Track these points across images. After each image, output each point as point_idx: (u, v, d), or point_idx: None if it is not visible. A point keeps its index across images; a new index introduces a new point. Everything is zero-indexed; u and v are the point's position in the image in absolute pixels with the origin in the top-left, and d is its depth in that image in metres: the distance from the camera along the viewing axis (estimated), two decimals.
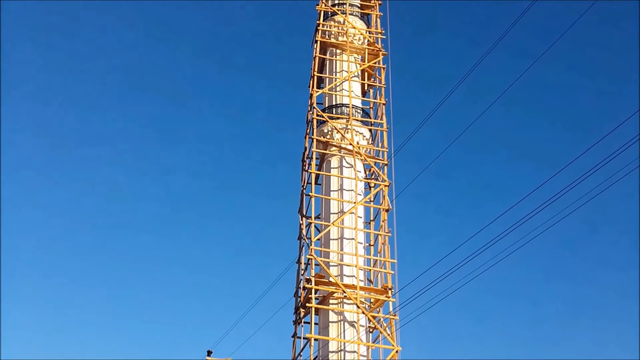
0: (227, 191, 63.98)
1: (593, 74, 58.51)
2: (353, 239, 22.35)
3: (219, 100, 66.36)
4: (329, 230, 22.69)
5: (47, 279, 59.97)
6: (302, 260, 23.05)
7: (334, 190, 23.60)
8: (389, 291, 21.41)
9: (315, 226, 22.96)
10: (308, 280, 21.42)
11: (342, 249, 22.42)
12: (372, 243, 23.41)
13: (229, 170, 64.71)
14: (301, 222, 23.75)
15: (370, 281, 22.70)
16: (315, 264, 21.99)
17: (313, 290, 21.15)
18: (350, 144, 23.67)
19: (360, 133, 24.39)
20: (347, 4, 27.05)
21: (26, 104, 63.30)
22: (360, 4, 27.84)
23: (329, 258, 22.32)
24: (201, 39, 66.50)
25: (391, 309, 21.25)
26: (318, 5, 27.12)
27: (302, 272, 22.81)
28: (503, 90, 26.60)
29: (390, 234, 22.55)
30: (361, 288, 21.46)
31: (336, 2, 27.49)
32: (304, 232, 23.55)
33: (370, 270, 22.61)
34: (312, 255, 21.77)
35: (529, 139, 58.77)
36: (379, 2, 27.40)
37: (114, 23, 65.38)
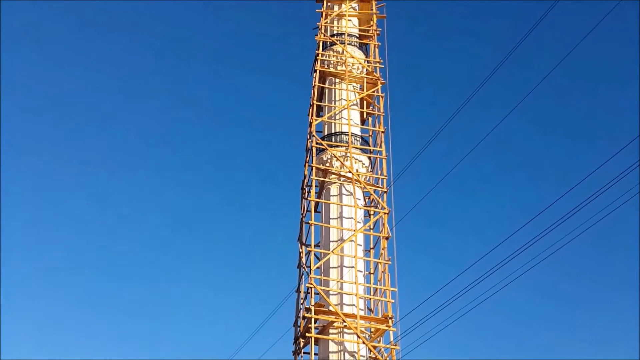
0: (227, 215, 63.47)
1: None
2: (353, 267, 21.93)
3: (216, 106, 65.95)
4: (329, 259, 22.28)
5: (47, 279, 59.50)
6: (302, 289, 22.61)
7: (333, 218, 23.26)
8: (390, 320, 20.95)
9: (314, 254, 22.57)
10: (308, 310, 20.98)
11: (342, 278, 21.99)
12: (372, 271, 22.98)
13: (228, 192, 64.36)
14: (301, 250, 23.36)
15: (370, 310, 22.21)
16: (315, 293, 21.53)
17: (313, 320, 20.68)
18: (350, 172, 23.42)
19: (360, 161, 24.17)
20: (346, 34, 27.10)
21: (26, 104, 62.92)
22: (359, 34, 27.90)
23: (328, 287, 21.88)
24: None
25: (392, 338, 20.78)
26: (317, 35, 27.17)
27: (302, 301, 22.35)
28: (500, 120, 26.55)
29: (390, 262, 22.14)
30: (361, 317, 20.98)
31: (335, 32, 27.56)
32: (303, 260, 23.15)
33: (370, 299, 22.15)
34: (311, 283, 21.33)
35: (532, 164, 58.51)
36: (377, 32, 27.45)
37: (114, 23, 65.45)
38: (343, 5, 28.00)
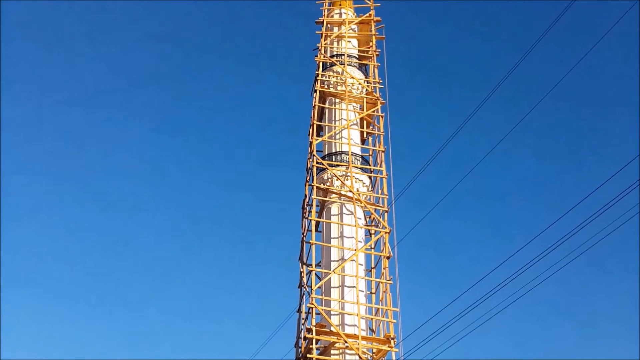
0: (226, 233, 62.96)
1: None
2: (354, 287, 21.58)
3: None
4: (330, 278, 21.95)
5: (47, 279, 58.68)
6: (303, 309, 22.23)
7: (334, 238, 22.97)
8: (392, 341, 20.58)
9: (315, 274, 22.23)
10: (309, 330, 20.59)
11: (343, 298, 21.63)
12: (373, 291, 22.61)
13: (226, 214, 63.83)
14: (302, 270, 23.01)
15: (372, 330, 21.80)
16: (316, 313, 21.17)
17: (314, 341, 20.29)
18: (350, 191, 23.19)
19: (360, 180, 23.95)
20: (345, 55, 27.09)
21: (26, 104, 62.60)
22: (358, 55, 27.89)
23: (330, 307, 21.51)
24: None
25: (394, 359, 20.38)
26: (317, 56, 27.15)
27: (303, 321, 21.97)
28: (503, 136, 26.38)
29: (392, 282, 21.80)
30: (363, 338, 20.60)
31: (335, 53, 27.56)
32: (304, 280, 22.79)
33: (372, 319, 21.75)
34: (312, 304, 20.98)
35: (534, 183, 58.11)
36: (377, 53, 27.45)
37: (114, 23, 65.40)
38: (342, 27, 28.04)
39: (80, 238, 60.47)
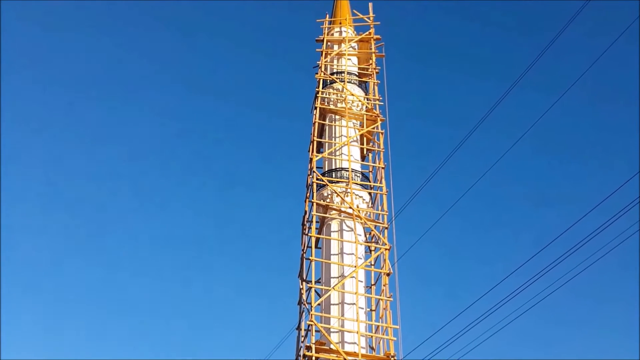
0: (229, 247, 62.40)
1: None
2: (354, 304, 21.24)
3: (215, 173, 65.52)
4: (330, 295, 21.62)
5: (47, 279, 58.06)
6: (302, 326, 21.87)
7: (334, 254, 22.67)
8: (392, 359, 20.23)
9: (315, 291, 21.90)
10: (308, 348, 20.23)
11: (343, 315, 21.28)
12: (373, 308, 22.26)
13: (226, 237, 63.38)
14: (301, 286, 22.68)
15: (372, 348, 21.41)
16: (316, 330, 20.81)
17: (314, 358, 19.91)
18: (350, 208, 22.96)
19: (360, 196, 23.73)
20: (346, 72, 27.04)
21: (26, 104, 62.29)
22: (358, 73, 27.83)
23: (329, 324, 21.15)
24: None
25: None
26: (317, 74, 27.10)
27: (302, 338, 21.59)
28: (500, 157, 26.26)
29: (392, 299, 21.47)
30: (363, 356, 20.23)
31: (335, 70, 27.50)
32: (304, 297, 22.46)
33: (372, 336, 21.38)
34: (312, 321, 20.64)
35: (537, 194, 57.68)
36: (376, 70, 27.39)
37: (115, 23, 65.30)
38: (342, 45, 28.02)
39: (81, 238, 60.14)
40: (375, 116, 25.75)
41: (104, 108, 63.48)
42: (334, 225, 23.20)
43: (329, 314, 21.38)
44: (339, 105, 26.01)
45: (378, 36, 28.15)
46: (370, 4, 28.89)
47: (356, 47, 28.42)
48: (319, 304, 21.37)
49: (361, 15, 28.74)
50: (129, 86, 64.89)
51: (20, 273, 56.94)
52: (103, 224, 60.40)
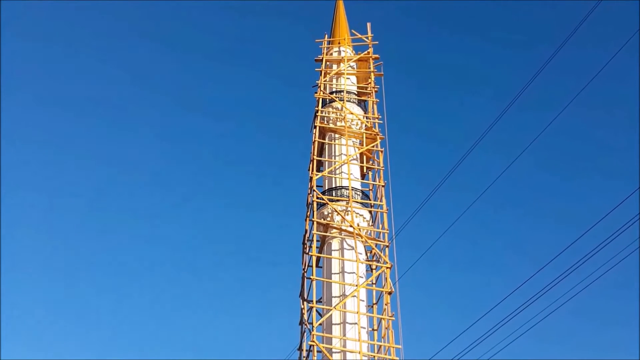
0: (229, 262, 61.78)
1: None
2: (356, 323, 20.87)
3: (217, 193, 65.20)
4: (331, 315, 21.25)
5: (47, 279, 57.42)
6: (304, 346, 21.47)
7: (335, 273, 22.33)
8: None
9: (317, 310, 21.55)
10: None
11: (344, 334, 20.88)
12: (375, 328, 21.88)
13: (225, 257, 62.82)
14: (302, 306, 22.31)
15: None
16: (318, 351, 20.41)
17: None
18: (351, 226, 22.69)
19: (361, 215, 23.46)
20: (345, 91, 26.95)
21: (26, 104, 61.79)
22: (357, 92, 27.76)
23: (331, 344, 20.74)
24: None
25: None
26: (316, 93, 27.01)
27: (304, 359, 21.18)
28: (502, 171, 26.04)
29: (394, 318, 21.10)
30: None
31: (334, 89, 27.42)
32: (305, 316, 22.08)
33: (374, 356, 20.94)
34: (314, 341, 20.25)
35: (539, 209, 57.18)
36: (375, 89, 27.31)
37: (115, 23, 65.01)
38: (341, 64, 27.98)
39: (82, 239, 59.60)
40: (375, 134, 25.60)
41: (101, 128, 63.40)
42: (335, 244, 22.90)
43: (331, 333, 20.98)
44: (339, 124, 25.87)
45: (376, 55, 28.10)
46: (368, 24, 28.91)
47: (355, 66, 28.36)
48: (320, 324, 21.00)
49: (359, 35, 28.74)
50: (129, 109, 64.82)
51: (20, 273, 56.51)
52: (103, 225, 59.70)
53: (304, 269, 22.96)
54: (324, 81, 27.37)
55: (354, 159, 25.10)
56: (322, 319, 21.02)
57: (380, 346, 21.05)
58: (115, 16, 64.73)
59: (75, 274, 57.91)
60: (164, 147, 64.44)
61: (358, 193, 23.99)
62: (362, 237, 22.61)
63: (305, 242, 23.41)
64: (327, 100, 26.68)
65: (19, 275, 56.51)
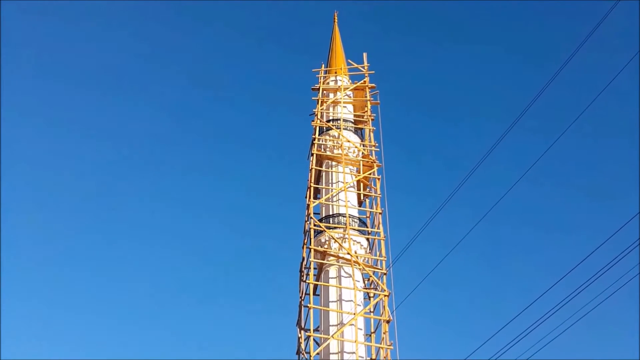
0: (226, 287, 60.71)
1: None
2: (354, 352, 20.27)
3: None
4: (329, 344, 20.66)
5: (47, 279, 55.93)
6: None
7: (332, 301, 21.78)
8: None
9: (314, 339, 20.95)
10: None
11: None
12: (374, 357, 21.24)
13: (221, 284, 61.88)
14: (300, 335, 21.72)
15: None
16: None
17: None
18: (348, 254, 22.25)
19: (358, 242, 23.03)
20: (341, 120, 26.81)
21: (26, 105, 60.69)
22: (354, 120, 27.60)
23: None
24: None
25: None
26: (313, 121, 26.86)
27: None
28: (497, 201, 25.78)
29: (392, 347, 20.51)
30: None
31: (331, 117, 27.28)
32: (302, 346, 21.47)
33: None
34: None
35: (533, 245, 56.48)
36: (372, 117, 27.19)
37: (116, 23, 64.46)
38: (338, 93, 27.89)
39: (82, 238, 58.44)
40: (372, 162, 25.35)
41: (106, 104, 62.42)
42: (332, 272, 22.42)
43: None
44: (336, 151, 25.64)
45: (373, 85, 28.05)
46: (364, 54, 28.97)
47: (351, 95, 28.27)
48: (317, 354, 20.40)
49: (356, 65, 28.73)
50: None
51: (20, 273, 55.33)
52: (103, 225, 58.73)
53: (301, 297, 22.43)
54: (321, 109, 27.27)
55: (351, 187, 24.79)
56: (319, 349, 20.42)
57: None
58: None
59: (75, 274, 57.06)
60: (163, 152, 63.80)
61: (355, 220, 23.62)
62: (359, 265, 22.17)
63: (303, 269, 22.93)
64: (324, 128, 26.50)
65: (19, 275, 55.48)
